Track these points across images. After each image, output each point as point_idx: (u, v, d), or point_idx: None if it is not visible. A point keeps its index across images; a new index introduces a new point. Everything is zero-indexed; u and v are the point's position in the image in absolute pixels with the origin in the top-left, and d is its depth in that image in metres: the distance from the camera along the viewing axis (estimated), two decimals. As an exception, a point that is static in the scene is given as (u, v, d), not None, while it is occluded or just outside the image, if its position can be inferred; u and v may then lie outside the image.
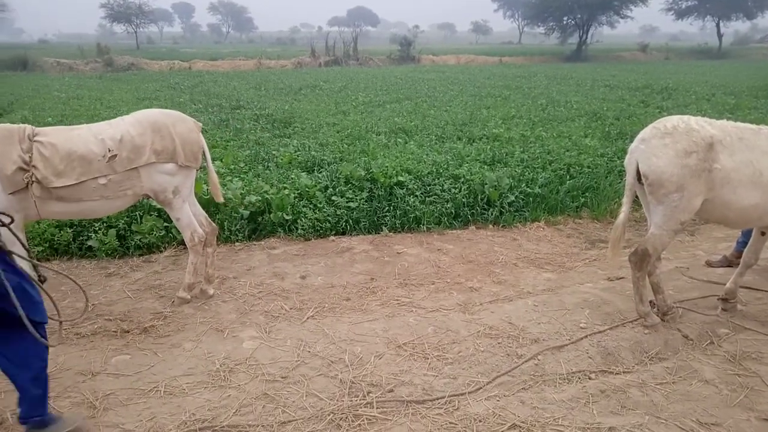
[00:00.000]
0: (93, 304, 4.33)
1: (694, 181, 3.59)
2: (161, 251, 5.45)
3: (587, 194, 6.96)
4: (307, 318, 4.16)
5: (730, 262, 5.15)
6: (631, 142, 3.95)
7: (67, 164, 3.70)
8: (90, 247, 5.27)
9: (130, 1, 60.44)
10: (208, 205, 5.80)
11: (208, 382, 3.34)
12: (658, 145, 3.66)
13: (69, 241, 5.29)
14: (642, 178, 3.77)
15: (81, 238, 5.36)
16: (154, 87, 18.92)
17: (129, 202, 4.13)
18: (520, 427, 2.96)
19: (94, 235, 5.31)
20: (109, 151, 3.82)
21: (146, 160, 3.97)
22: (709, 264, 5.31)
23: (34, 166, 3.61)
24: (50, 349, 3.62)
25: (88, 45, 42.35)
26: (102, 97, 15.52)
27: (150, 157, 3.98)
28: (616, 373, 3.49)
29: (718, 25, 58.61)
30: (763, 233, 4.19)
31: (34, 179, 3.60)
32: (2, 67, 28.13)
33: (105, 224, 5.43)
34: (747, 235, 4.71)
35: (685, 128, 3.64)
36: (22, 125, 3.74)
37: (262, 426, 2.96)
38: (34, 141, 3.66)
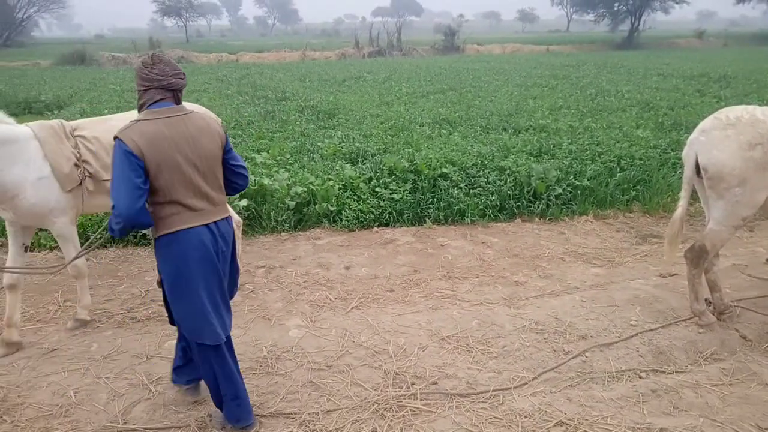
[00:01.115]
0: (147, 290, 4.50)
1: (758, 175, 3.41)
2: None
3: (638, 187, 6.73)
4: (351, 308, 4.20)
5: (793, 260, 4.89)
6: (687, 133, 3.80)
7: None
8: (144, 236, 5.47)
9: (180, -5, 62.10)
10: (256, 195, 5.93)
11: (256, 368, 3.43)
12: (720, 137, 3.49)
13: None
14: (701, 171, 3.61)
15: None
16: (203, 79, 19.38)
17: None
18: (567, 424, 2.91)
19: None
20: None
21: None
22: (770, 262, 5.05)
23: (84, 161, 3.68)
24: (109, 331, 3.81)
25: (141, 39, 43.78)
26: (154, 89, 16.00)
27: None
28: (669, 373, 3.38)
29: (782, 9, 55.30)
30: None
31: (87, 174, 3.69)
32: (62, 61, 29.46)
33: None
34: (813, 232, 4.46)
35: (750, 119, 3.46)
36: (55, 121, 3.77)
37: (308, 413, 3.02)
38: (76, 136, 3.72)
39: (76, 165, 3.64)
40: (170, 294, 2.67)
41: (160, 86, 2.60)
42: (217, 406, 2.90)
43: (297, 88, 16.01)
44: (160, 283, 2.74)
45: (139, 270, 4.91)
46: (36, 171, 3.51)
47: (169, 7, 61.56)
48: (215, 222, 2.67)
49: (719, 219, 3.65)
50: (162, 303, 4.10)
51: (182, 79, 2.68)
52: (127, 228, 2.46)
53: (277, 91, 15.15)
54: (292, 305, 4.27)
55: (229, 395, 2.81)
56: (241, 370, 2.89)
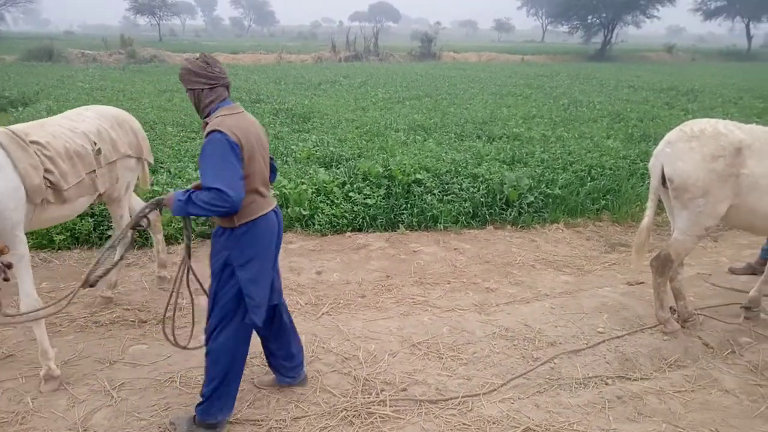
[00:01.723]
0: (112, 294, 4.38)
1: (720, 186, 3.51)
2: (179, 243, 5.49)
3: (608, 197, 6.86)
4: (322, 314, 4.16)
5: (754, 270, 5.04)
6: (655, 144, 3.88)
7: (69, 163, 3.39)
8: (110, 237, 5.33)
9: (154, -6, 61.11)
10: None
11: (223, 374, 3.35)
12: (685, 149, 3.58)
13: (89, 231, 5.37)
14: (667, 181, 3.70)
15: (101, 228, 5.43)
16: (176, 79, 19.05)
17: (91, 201, 3.78)
18: (534, 430, 2.93)
19: (114, 225, 5.37)
20: (95, 144, 3.62)
21: (123, 154, 3.89)
22: (732, 271, 5.20)
23: (47, 170, 3.26)
24: (70, 336, 3.70)
25: (111, 37, 42.90)
26: (125, 88, 15.71)
27: (126, 150, 3.92)
28: (634, 380, 3.44)
29: (747, 27, 57.27)
30: (790, 241, 4.10)
31: (49, 184, 3.28)
32: (28, 57, 28.60)
33: (125, 214, 5.49)
34: (773, 242, 4.61)
35: (713, 132, 3.56)
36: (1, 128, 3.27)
37: (276, 420, 2.98)
38: (31, 143, 3.25)
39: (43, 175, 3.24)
40: (251, 278, 2.79)
41: (224, 84, 2.82)
42: (205, 395, 2.87)
43: (272, 91, 15.89)
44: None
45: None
46: (11, 181, 3.06)
47: (142, 5, 60.42)
48: (275, 207, 2.93)
49: (683, 228, 3.74)
50: (127, 307, 3.99)
51: None
52: (229, 213, 2.63)
53: (252, 93, 15.02)
54: (262, 310, 4.20)
55: (233, 381, 2.90)
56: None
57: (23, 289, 3.14)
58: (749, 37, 56.97)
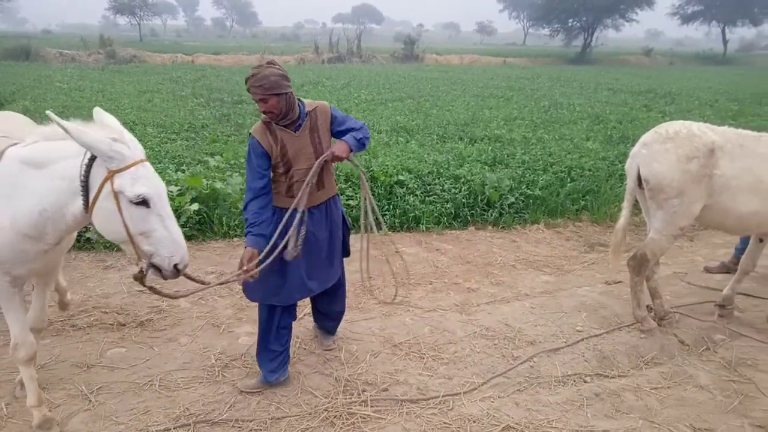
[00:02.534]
0: (89, 296, 4.32)
1: (694, 187, 3.58)
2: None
3: (587, 197, 6.95)
4: (304, 315, 4.15)
5: (728, 269, 5.15)
6: (633, 146, 3.95)
7: None
8: (89, 239, 5.26)
9: (135, -6, 60.33)
10: (207, 199, 5.80)
11: (204, 377, 3.34)
12: (660, 150, 3.65)
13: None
14: (643, 182, 3.77)
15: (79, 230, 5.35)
16: (156, 80, 18.88)
17: None
18: (514, 428, 2.96)
19: (92, 227, 5.30)
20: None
21: None
22: (707, 270, 5.30)
23: None
24: (47, 340, 3.64)
25: (91, 36, 42.29)
26: (104, 89, 15.49)
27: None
28: (612, 377, 3.49)
29: (723, 31, 58.51)
30: (761, 240, 4.19)
31: None
32: (5, 56, 28.05)
33: (104, 216, 5.42)
34: (745, 241, 4.71)
35: (687, 133, 3.63)
36: None
37: (256, 421, 2.96)
38: None
39: None
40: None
41: None
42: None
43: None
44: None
45: (82, 275, 4.71)
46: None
47: (122, 5, 59.58)
48: None
49: (659, 228, 3.81)
50: (106, 310, 3.95)
51: None
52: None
53: (234, 94, 14.93)
54: (243, 312, 4.19)
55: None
56: (187, 379, 2.81)
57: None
58: (725, 41, 58.19)
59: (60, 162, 2.38)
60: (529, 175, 7.17)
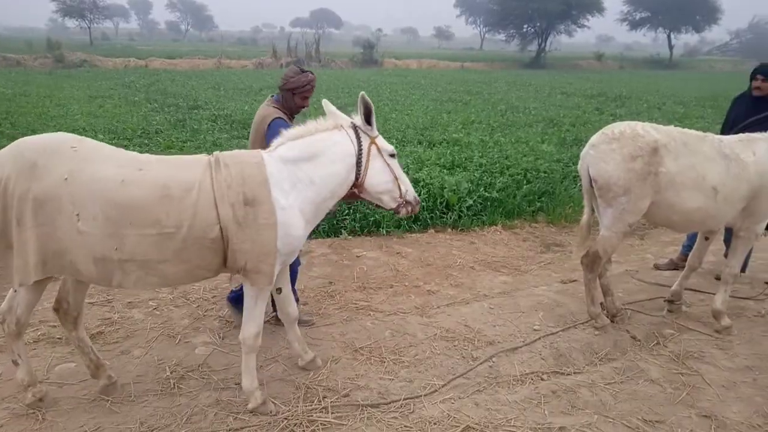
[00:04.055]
0: (36, 309, 4.13)
1: (640, 185, 3.72)
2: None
3: (543, 199, 7.12)
4: (264, 323, 4.08)
5: (676, 265, 5.36)
6: (585, 148, 4.06)
7: None
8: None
9: (84, -4, 58.31)
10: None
11: (158, 389, 3.24)
12: (606, 150, 3.78)
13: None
14: (592, 182, 3.88)
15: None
16: (108, 85, 18.34)
17: None
18: (474, 429, 2.99)
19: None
20: None
21: None
22: (657, 267, 5.50)
23: None
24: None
25: (37, 40, 40.68)
26: (51, 94, 14.94)
27: None
28: (567, 374, 3.57)
29: (669, 37, 61.09)
30: (706, 238, 4.38)
31: None
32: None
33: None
34: (692, 239, 4.92)
35: (631, 133, 3.77)
36: None
37: (214, 434, 2.89)
38: None
39: None
40: None
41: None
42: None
43: (210, 97, 15.55)
44: None
45: (28, 288, 4.51)
46: None
47: (71, 8, 57.54)
48: None
49: (608, 225, 3.94)
50: (54, 324, 3.80)
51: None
52: None
53: (189, 99, 14.63)
54: (200, 322, 4.09)
55: None
56: (140, 393, 2.72)
57: None
58: (671, 46, 60.76)
59: (331, 149, 2.97)
60: (487, 178, 7.29)
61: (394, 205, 3.15)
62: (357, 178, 3.04)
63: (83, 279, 2.70)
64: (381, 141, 3.13)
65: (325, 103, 3.18)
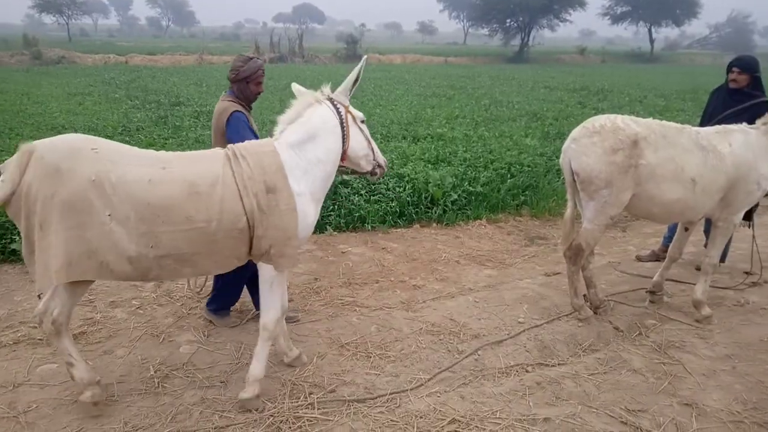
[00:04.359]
0: (15, 311, 4.07)
1: (621, 177, 3.76)
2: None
3: (527, 193, 7.16)
4: (248, 320, 4.07)
5: (657, 257, 5.43)
6: (568, 142, 4.09)
7: None
8: (14, 251, 4.96)
9: (61, -9, 57.24)
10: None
11: (143, 389, 3.21)
12: (587, 144, 3.81)
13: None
14: (574, 175, 3.91)
15: (4, 240, 5.04)
16: (87, 82, 18.05)
17: None
18: (460, 421, 3.01)
19: (18, 237, 4.99)
20: None
21: None
22: (638, 258, 5.58)
23: None
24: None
25: (13, 36, 39.87)
26: (29, 91, 14.66)
27: None
28: (552, 366, 3.61)
29: (650, 31, 61.73)
30: (686, 229, 4.44)
31: None
32: None
33: (31, 226, 5.11)
34: (673, 230, 4.98)
35: (612, 127, 3.81)
36: None
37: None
38: None
39: None
40: None
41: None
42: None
43: (192, 93, 15.37)
44: None
45: (6, 290, 4.44)
46: None
47: (48, 3, 56.47)
48: None
49: (591, 218, 3.98)
50: (34, 325, 3.75)
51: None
52: None
53: (171, 96, 14.45)
54: (184, 320, 4.06)
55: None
56: (123, 393, 2.69)
57: None
58: (651, 40, 61.42)
59: (325, 123, 3.09)
60: (471, 173, 7.31)
61: (369, 168, 3.31)
62: (342, 146, 3.18)
63: (113, 278, 2.72)
64: (352, 109, 3.26)
65: (295, 87, 3.35)
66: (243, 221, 2.76)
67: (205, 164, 2.82)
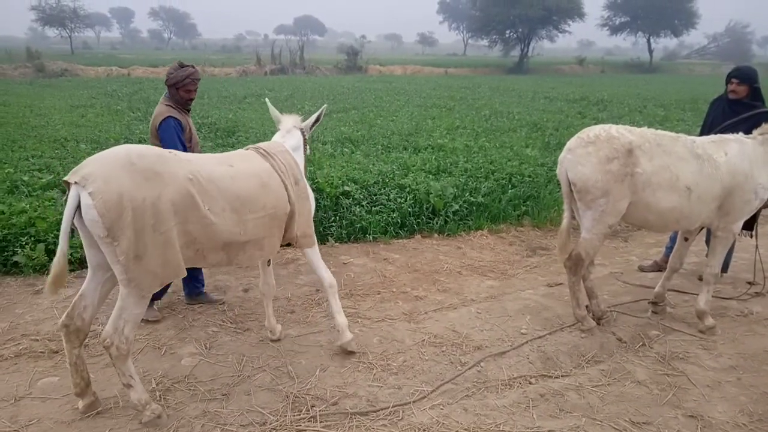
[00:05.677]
0: (17, 324, 4.07)
1: (617, 186, 3.77)
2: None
3: (528, 203, 7.16)
4: (247, 329, 4.06)
5: (660, 267, 5.42)
6: (566, 152, 4.10)
7: None
8: (16, 263, 4.96)
9: (64, 5, 57.58)
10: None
11: (144, 402, 3.19)
12: (583, 154, 3.83)
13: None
14: (571, 185, 3.92)
15: (6, 253, 5.03)
16: (90, 94, 18.15)
17: None
18: (463, 434, 2.99)
19: (20, 250, 5.00)
20: None
21: None
22: (641, 269, 5.56)
23: None
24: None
25: (16, 49, 40.12)
26: (32, 104, 14.74)
27: None
28: (555, 377, 3.59)
29: (648, 41, 62.01)
30: (686, 239, 4.44)
31: None
32: None
33: (33, 238, 5.12)
34: (675, 240, 4.97)
35: (606, 136, 3.83)
36: None
37: (201, 446, 2.86)
38: None
39: None
40: None
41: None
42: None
43: (194, 105, 15.40)
44: None
45: (8, 302, 4.43)
46: None
47: (51, 16, 56.82)
48: None
49: (589, 228, 3.98)
50: (36, 337, 3.74)
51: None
52: None
53: (173, 108, 14.49)
54: (186, 332, 4.05)
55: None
56: (126, 406, 2.66)
57: None
58: (650, 50, 61.70)
59: (299, 142, 3.86)
60: (472, 183, 7.32)
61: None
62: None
63: (204, 265, 3.18)
64: (308, 132, 3.99)
65: (269, 105, 4.09)
66: (289, 207, 3.35)
67: (255, 161, 3.34)
